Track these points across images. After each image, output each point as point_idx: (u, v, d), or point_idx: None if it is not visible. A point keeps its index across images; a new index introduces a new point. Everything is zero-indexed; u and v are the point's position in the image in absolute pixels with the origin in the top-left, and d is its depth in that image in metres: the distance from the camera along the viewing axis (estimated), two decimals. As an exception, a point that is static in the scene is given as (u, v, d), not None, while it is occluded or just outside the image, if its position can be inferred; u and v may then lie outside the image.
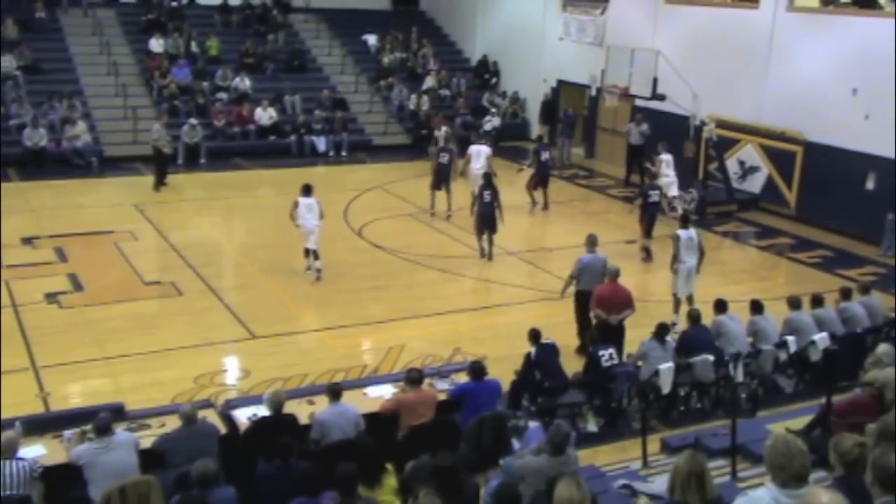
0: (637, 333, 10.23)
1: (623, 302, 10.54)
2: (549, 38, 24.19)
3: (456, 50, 28.04)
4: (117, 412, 7.71)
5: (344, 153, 22.48)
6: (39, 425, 7.63)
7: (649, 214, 15.03)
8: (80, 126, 20.25)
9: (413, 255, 14.83)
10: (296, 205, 13.23)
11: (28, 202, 17.22)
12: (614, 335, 10.25)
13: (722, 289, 12.01)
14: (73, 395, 9.75)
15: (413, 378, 8.10)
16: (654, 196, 15.17)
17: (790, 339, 10.21)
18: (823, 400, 7.72)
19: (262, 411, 7.75)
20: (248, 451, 7.34)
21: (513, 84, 25.98)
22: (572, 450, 6.56)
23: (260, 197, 18.95)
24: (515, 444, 7.29)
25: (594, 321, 10.71)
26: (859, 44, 16.48)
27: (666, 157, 17.22)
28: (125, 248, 14.71)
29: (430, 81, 25.32)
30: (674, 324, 11.36)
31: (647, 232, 15.10)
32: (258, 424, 7.58)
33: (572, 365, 9.96)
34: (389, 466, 6.36)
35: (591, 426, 9.22)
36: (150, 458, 6.97)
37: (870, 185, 16.53)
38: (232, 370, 10.63)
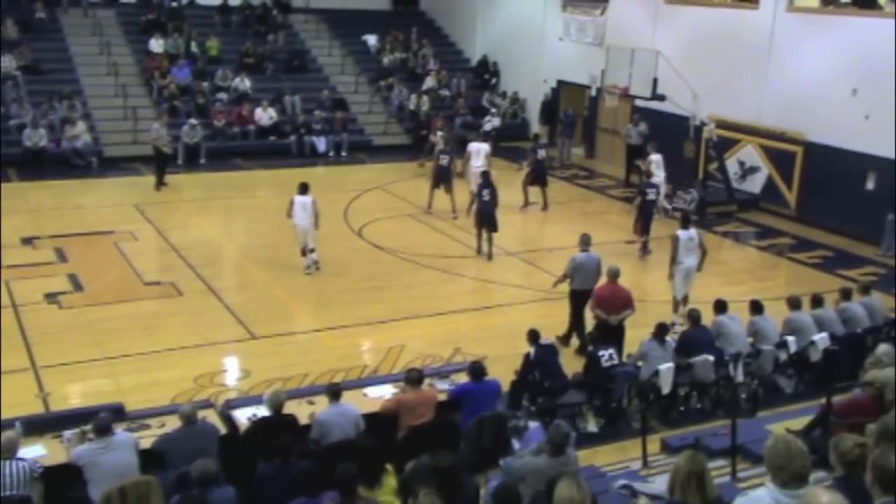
0: (637, 333, 10.23)
1: (623, 302, 10.56)
2: (549, 38, 24.20)
3: (456, 50, 28.04)
4: (117, 412, 7.72)
5: (344, 153, 22.48)
6: (39, 425, 7.63)
7: (646, 212, 15.18)
8: (80, 126, 20.25)
9: (413, 256, 14.83)
10: (292, 203, 13.43)
11: (28, 202, 17.23)
12: (614, 335, 10.26)
13: (722, 289, 12.02)
14: (73, 395, 9.75)
15: (413, 378, 8.10)
16: (651, 194, 15.31)
17: (790, 339, 10.21)
18: (823, 400, 7.71)
19: (262, 411, 7.76)
20: (248, 451, 7.34)
21: (513, 84, 25.98)
22: (572, 450, 6.56)
23: (260, 197, 18.94)
24: (515, 444, 7.29)
25: (595, 321, 10.71)
26: (859, 44, 16.48)
27: (656, 158, 17.30)
28: (125, 248, 14.71)
29: (430, 82, 25.33)
30: (673, 324, 11.38)
31: (644, 229, 15.22)
32: (258, 424, 7.58)
33: (572, 365, 9.97)
34: (389, 467, 6.36)
35: (591, 426, 9.21)
36: (150, 459, 6.97)
37: (870, 185, 16.53)
38: (232, 370, 10.63)
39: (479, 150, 17.64)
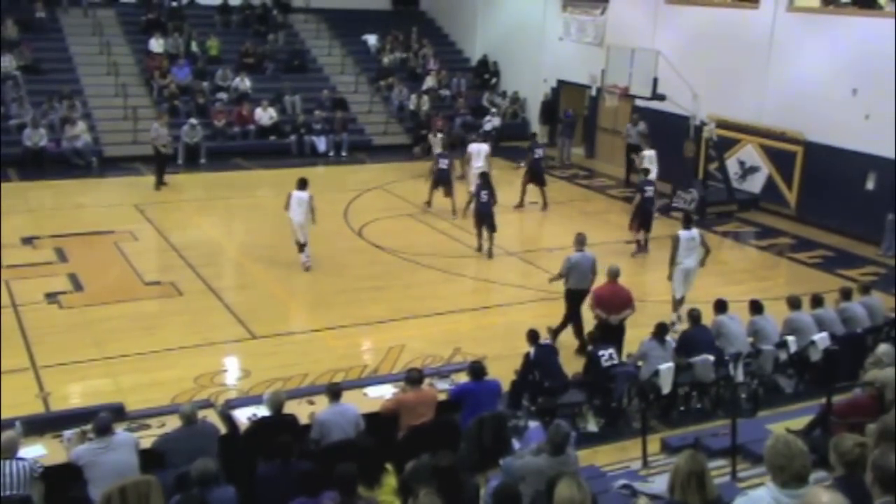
0: (637, 333, 10.23)
1: (623, 302, 10.56)
2: (549, 38, 24.20)
3: (456, 50, 28.04)
4: (117, 412, 7.72)
5: (344, 153, 22.47)
6: (39, 425, 7.63)
7: (645, 210, 15.21)
8: (80, 126, 20.24)
9: (413, 255, 14.83)
10: (289, 197, 13.59)
11: (28, 202, 17.22)
12: (614, 335, 10.26)
13: (722, 289, 12.02)
14: (74, 395, 9.75)
15: (413, 378, 8.10)
16: (649, 191, 15.32)
17: (790, 339, 10.21)
18: (824, 400, 7.71)
19: (262, 411, 7.76)
20: (248, 451, 7.34)
21: (513, 84, 25.98)
22: (572, 450, 6.56)
23: (260, 197, 18.93)
24: (515, 444, 7.29)
25: (595, 321, 10.71)
26: (859, 44, 16.48)
27: (649, 154, 17.43)
28: (125, 248, 14.71)
29: (430, 81, 25.32)
30: (673, 322, 11.40)
31: (645, 227, 15.28)
32: (258, 424, 7.58)
33: (572, 365, 9.96)
34: (389, 466, 6.36)
35: (591, 426, 9.22)
36: (151, 458, 6.97)
37: (870, 185, 16.52)
38: (232, 370, 10.64)
39: (479, 151, 17.65)
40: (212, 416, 7.83)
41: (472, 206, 15.26)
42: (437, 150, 18.40)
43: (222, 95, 22.87)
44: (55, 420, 7.90)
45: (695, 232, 12.08)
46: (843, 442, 4.54)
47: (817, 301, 10.81)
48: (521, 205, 18.03)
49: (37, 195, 17.94)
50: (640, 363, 9.57)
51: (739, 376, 9.71)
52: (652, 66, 18.04)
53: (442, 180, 17.17)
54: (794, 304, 10.56)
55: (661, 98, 18.13)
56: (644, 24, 20.93)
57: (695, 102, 18.31)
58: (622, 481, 6.76)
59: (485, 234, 14.89)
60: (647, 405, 8.87)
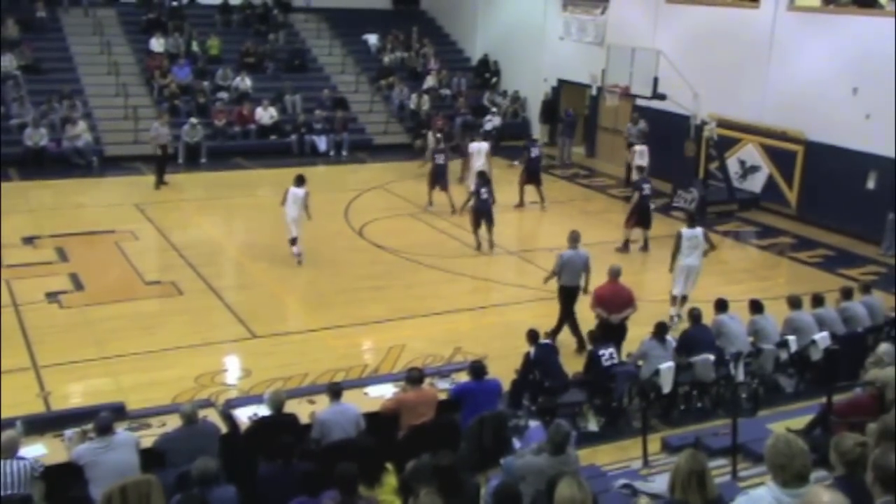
0: (638, 332, 10.22)
1: (624, 301, 10.56)
2: (549, 37, 24.19)
3: (456, 49, 28.03)
4: (118, 411, 7.71)
5: (344, 153, 22.47)
6: (40, 425, 7.64)
7: (643, 207, 15.27)
8: (81, 126, 20.24)
9: (413, 255, 14.82)
10: (286, 193, 13.79)
11: (29, 202, 17.22)
12: (615, 334, 10.26)
13: (722, 288, 12.01)
14: (74, 394, 9.76)
15: (414, 377, 8.10)
16: (647, 189, 15.41)
17: (791, 338, 10.21)
18: (824, 399, 7.71)
19: (263, 411, 7.76)
20: (248, 450, 7.34)
21: (513, 83, 25.97)
22: (573, 449, 6.56)
23: (260, 196, 18.92)
24: (516, 443, 7.28)
25: (596, 320, 10.71)
26: (860, 43, 16.47)
27: (640, 149, 17.54)
28: (126, 247, 14.71)
29: (430, 81, 25.32)
30: (672, 318, 11.43)
31: (641, 224, 15.31)
32: (259, 424, 7.58)
33: (572, 365, 9.96)
34: (390, 466, 6.36)
35: (592, 425, 9.22)
36: (151, 458, 6.98)
37: (870, 184, 16.52)
38: (232, 370, 10.64)
39: (479, 149, 17.71)
40: (212, 416, 7.83)
41: (472, 203, 15.29)
42: (432, 146, 18.43)
43: (223, 95, 22.87)
44: (56, 419, 7.90)
45: (698, 230, 12.12)
46: (844, 441, 4.54)
47: (818, 300, 10.80)
48: (521, 204, 18.04)
49: (37, 195, 17.94)
50: (640, 362, 9.57)
51: (740, 376, 9.71)
52: (652, 66, 18.05)
53: (438, 175, 17.22)
54: (794, 303, 10.56)
55: (662, 97, 18.13)
56: (645, 23, 20.93)
57: (695, 102, 18.30)
58: (623, 481, 6.77)
59: (483, 227, 14.99)
60: (648, 404, 8.87)
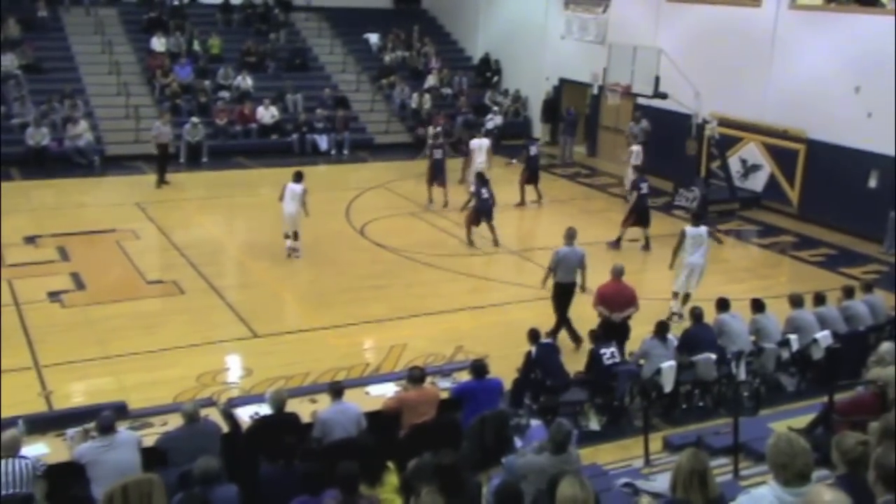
0: (638, 332, 10.22)
1: (627, 300, 10.55)
2: (551, 36, 24.18)
3: (458, 48, 28.03)
4: (120, 411, 7.72)
5: (345, 152, 22.49)
6: (42, 424, 7.64)
7: (641, 206, 15.31)
8: (82, 125, 20.24)
9: (415, 254, 14.82)
10: (284, 188, 13.91)
11: (30, 201, 17.24)
12: (617, 333, 10.25)
13: (724, 287, 12.00)
14: (76, 393, 9.76)
15: (415, 376, 8.10)
16: (645, 188, 15.49)
17: (792, 337, 10.20)
18: (826, 398, 7.71)
19: (265, 410, 7.76)
20: (250, 449, 7.35)
21: (515, 82, 25.96)
22: (574, 448, 6.55)
23: (261, 196, 18.88)
24: (517, 442, 7.28)
25: (599, 318, 10.70)
26: (862, 42, 16.46)
27: (635, 149, 17.64)
28: (127, 246, 14.71)
29: (431, 80, 25.32)
30: (672, 314, 11.43)
31: (640, 223, 15.33)
32: (260, 423, 7.58)
33: (574, 364, 9.96)
34: (391, 465, 6.35)
35: (594, 424, 9.22)
36: (153, 457, 6.98)
37: (872, 182, 16.51)
38: (234, 369, 10.64)
39: (480, 146, 17.74)
40: (214, 415, 7.83)
41: (472, 203, 15.30)
42: (430, 141, 18.44)
43: (224, 94, 22.88)
44: (58, 419, 7.90)
45: (702, 229, 12.15)
46: (846, 440, 4.54)
47: (820, 299, 10.80)
48: (522, 203, 18.04)
49: (39, 194, 17.96)
50: (641, 361, 9.57)
51: (741, 374, 9.71)
52: (654, 65, 18.04)
53: (436, 171, 17.25)
54: (796, 302, 10.55)
55: (663, 96, 18.12)
56: (646, 22, 20.92)
57: (697, 100, 18.29)
58: (624, 480, 6.77)
59: (485, 227, 15.04)
60: (650, 403, 8.87)
